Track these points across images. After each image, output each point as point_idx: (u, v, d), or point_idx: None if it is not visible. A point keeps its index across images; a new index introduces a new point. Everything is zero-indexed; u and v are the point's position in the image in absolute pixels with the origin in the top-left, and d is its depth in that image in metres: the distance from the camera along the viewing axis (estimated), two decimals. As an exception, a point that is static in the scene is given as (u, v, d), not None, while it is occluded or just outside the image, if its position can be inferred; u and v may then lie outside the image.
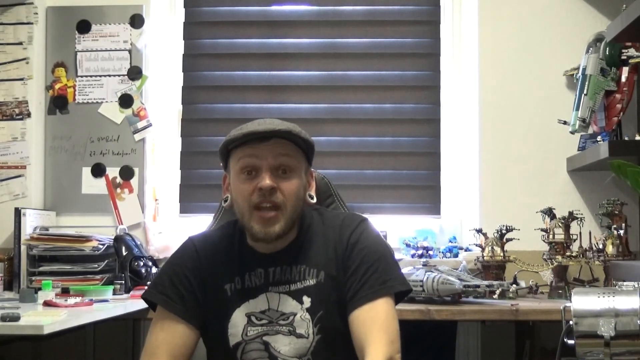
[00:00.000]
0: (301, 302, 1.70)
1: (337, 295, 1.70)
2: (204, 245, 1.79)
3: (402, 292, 1.73)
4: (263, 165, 1.66)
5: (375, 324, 1.63)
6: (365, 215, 1.82)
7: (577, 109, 2.94)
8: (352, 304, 1.67)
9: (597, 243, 2.85)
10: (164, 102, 3.44)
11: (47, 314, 2.17)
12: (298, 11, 3.53)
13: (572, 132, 3.01)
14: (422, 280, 2.56)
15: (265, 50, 3.48)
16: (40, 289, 2.64)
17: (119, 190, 3.29)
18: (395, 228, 3.29)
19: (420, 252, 3.15)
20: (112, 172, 3.30)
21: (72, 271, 2.96)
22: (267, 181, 1.64)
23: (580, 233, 2.89)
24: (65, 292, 2.70)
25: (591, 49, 2.98)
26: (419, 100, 3.43)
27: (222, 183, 1.79)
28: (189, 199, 3.43)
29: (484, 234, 2.95)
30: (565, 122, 3.07)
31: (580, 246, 2.87)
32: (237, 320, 1.71)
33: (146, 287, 1.85)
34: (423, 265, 2.69)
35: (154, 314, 1.76)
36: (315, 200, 1.77)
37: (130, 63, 3.33)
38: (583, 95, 2.92)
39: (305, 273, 1.71)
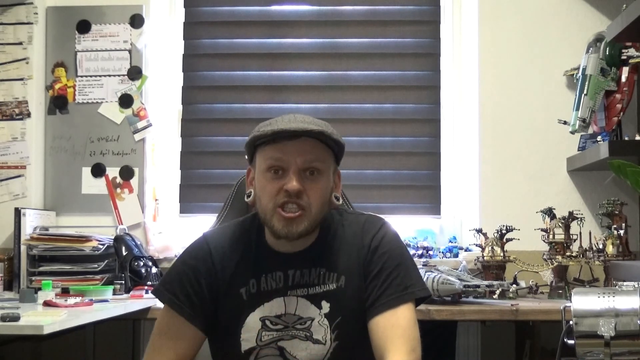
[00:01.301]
0: (320, 307, 1.66)
1: (357, 301, 1.66)
2: (218, 245, 1.73)
3: (421, 298, 1.70)
4: (291, 166, 1.62)
5: (397, 332, 1.59)
6: None
7: (577, 109, 2.94)
8: (372, 310, 1.63)
9: (597, 243, 2.85)
10: (164, 102, 3.44)
11: (47, 314, 2.17)
12: (298, 11, 3.53)
13: (572, 132, 3.01)
14: (422, 280, 2.55)
15: (265, 50, 3.48)
16: (40, 289, 2.64)
17: (119, 190, 3.29)
18: (395, 228, 3.28)
19: (420, 252, 3.15)
20: (112, 172, 3.30)
21: (72, 271, 2.96)
22: (294, 183, 1.60)
23: (580, 233, 2.89)
24: (65, 292, 2.70)
25: (591, 49, 2.98)
26: (419, 100, 3.43)
27: (246, 177, 1.74)
28: (189, 199, 3.43)
29: (484, 234, 2.95)
30: (565, 122, 3.07)
31: (580, 246, 2.86)
32: (251, 324, 1.67)
33: (157, 283, 1.81)
34: (423, 265, 2.69)
35: (163, 309, 1.73)
36: (340, 201, 1.73)
37: (130, 63, 3.33)
38: (583, 95, 2.92)
39: (325, 277, 1.67)
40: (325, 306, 1.66)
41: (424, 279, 2.52)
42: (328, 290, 1.67)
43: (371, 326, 1.63)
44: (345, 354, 1.66)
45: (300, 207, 1.62)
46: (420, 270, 2.56)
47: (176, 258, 1.82)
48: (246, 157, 1.73)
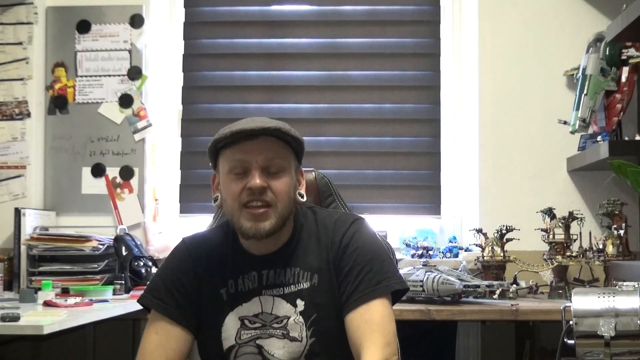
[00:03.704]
0: (295, 306, 1.69)
1: (331, 298, 1.68)
2: (197, 247, 1.77)
3: (399, 291, 1.71)
4: (252, 165, 1.64)
5: (371, 327, 1.61)
6: (363, 215, 1.81)
7: (577, 109, 2.94)
8: (346, 306, 1.65)
9: (597, 243, 2.85)
10: (164, 102, 3.45)
11: (47, 314, 2.17)
12: (298, 11, 3.53)
13: (572, 132, 3.01)
14: (422, 280, 2.56)
15: (265, 50, 3.48)
16: (40, 289, 2.64)
17: (119, 190, 3.29)
18: (395, 228, 3.29)
19: (420, 252, 3.15)
20: (112, 172, 3.30)
21: (72, 271, 2.96)
22: (257, 180, 1.62)
23: (580, 233, 2.89)
24: (65, 292, 2.70)
25: (591, 48, 2.98)
26: (419, 100, 3.43)
27: (212, 183, 1.78)
28: (189, 199, 3.43)
29: (484, 234, 2.95)
30: (565, 122, 3.07)
31: (581, 246, 2.87)
32: (231, 324, 1.70)
33: (143, 292, 1.84)
34: (423, 265, 2.69)
35: (151, 314, 1.75)
36: (305, 199, 1.74)
37: (130, 63, 3.33)
38: (583, 95, 2.92)
39: (299, 276, 1.70)
40: (300, 304, 1.69)
41: (424, 279, 2.55)
42: (302, 288, 1.69)
43: (347, 323, 1.65)
44: (322, 350, 1.69)
45: (266, 203, 1.64)
46: (420, 270, 2.61)
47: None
48: (210, 163, 1.75)
